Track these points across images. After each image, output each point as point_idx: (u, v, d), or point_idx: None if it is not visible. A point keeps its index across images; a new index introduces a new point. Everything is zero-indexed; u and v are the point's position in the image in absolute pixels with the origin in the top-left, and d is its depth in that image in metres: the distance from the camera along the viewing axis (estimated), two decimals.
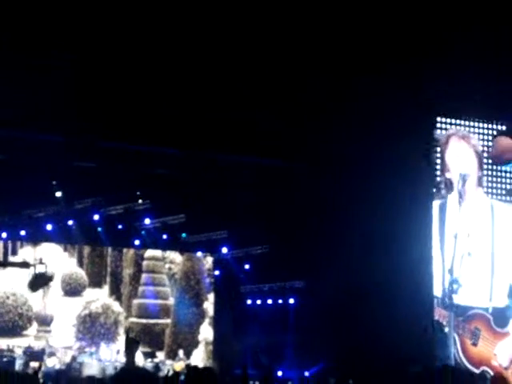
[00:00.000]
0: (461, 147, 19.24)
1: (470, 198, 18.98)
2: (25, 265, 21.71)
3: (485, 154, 19.38)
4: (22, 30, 14.47)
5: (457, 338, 18.47)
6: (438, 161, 19.36)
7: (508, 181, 19.75)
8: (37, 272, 20.68)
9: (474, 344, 18.59)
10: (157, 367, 19.86)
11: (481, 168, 19.40)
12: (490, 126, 19.39)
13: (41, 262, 20.96)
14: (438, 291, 18.29)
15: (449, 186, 18.72)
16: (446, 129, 19.25)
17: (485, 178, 19.32)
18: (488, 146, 19.37)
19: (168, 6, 14.33)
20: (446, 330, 17.90)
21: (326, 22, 15.21)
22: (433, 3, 15.09)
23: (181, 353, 22.76)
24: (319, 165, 18.28)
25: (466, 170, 18.97)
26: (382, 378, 12.65)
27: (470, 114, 19.06)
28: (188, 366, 18.47)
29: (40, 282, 20.93)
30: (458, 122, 19.15)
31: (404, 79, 16.32)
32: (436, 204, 18.90)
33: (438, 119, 18.97)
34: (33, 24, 14.32)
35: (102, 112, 16.48)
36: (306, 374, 19.19)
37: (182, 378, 13.63)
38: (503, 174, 19.74)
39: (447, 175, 18.93)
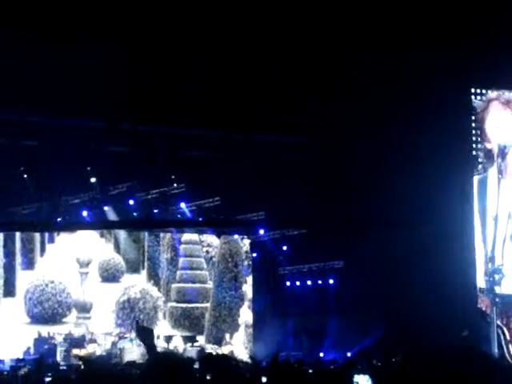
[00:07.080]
0: (502, 114, 17.62)
1: (510, 173, 17.38)
2: None
3: None
4: (64, 15, 14.35)
5: (507, 333, 17.11)
6: (475, 131, 18.01)
7: None
8: None
9: None
10: (201, 352, 19.65)
11: None
12: None
13: None
14: (481, 280, 16.95)
15: (488, 158, 17.59)
16: (482, 100, 18.01)
17: None
18: None
19: None
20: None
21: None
22: None
23: (227, 337, 22.68)
24: (358, 142, 17.96)
25: (506, 141, 17.36)
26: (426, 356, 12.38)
27: (504, 85, 18.13)
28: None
29: None
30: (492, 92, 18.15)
31: (441, 49, 15.97)
32: (476, 179, 17.75)
33: (473, 90, 17.99)
34: (78, 8, 14.22)
35: (136, 97, 16.38)
36: (349, 354, 18.98)
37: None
38: None
39: (487, 146, 17.76)
